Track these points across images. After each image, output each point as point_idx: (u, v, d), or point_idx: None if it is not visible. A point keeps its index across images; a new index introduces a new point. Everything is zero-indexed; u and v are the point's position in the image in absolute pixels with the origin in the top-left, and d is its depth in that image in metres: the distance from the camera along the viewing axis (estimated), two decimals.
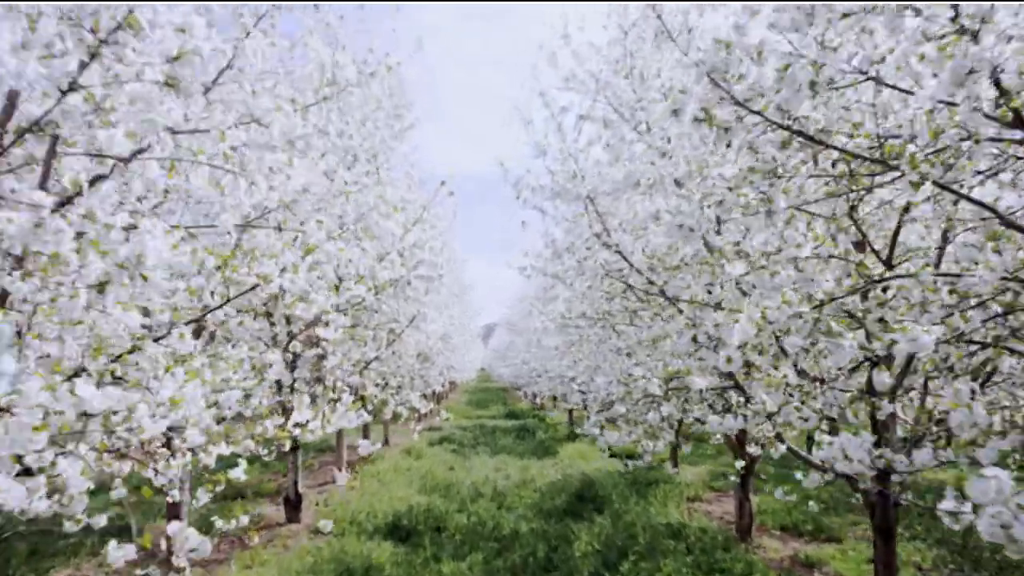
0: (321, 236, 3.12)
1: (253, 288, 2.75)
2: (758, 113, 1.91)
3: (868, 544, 7.30)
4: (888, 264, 3.71)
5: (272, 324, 6.53)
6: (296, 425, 3.18)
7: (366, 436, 13.19)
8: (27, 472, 1.68)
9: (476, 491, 9.11)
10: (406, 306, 6.88)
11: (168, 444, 4.66)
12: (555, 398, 25.93)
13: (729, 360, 2.09)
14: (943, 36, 1.80)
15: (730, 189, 2.26)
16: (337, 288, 4.04)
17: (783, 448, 4.27)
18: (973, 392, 2.06)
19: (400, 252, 4.96)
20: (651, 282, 4.81)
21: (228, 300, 2.86)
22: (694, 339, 2.44)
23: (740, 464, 6.04)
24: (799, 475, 4.53)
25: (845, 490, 9.93)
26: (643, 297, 4.64)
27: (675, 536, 6.42)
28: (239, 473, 3.05)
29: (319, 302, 2.86)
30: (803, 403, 2.41)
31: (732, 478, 7.35)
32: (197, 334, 4.97)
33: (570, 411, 18.84)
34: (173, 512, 4.82)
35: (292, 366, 5.22)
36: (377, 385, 8.80)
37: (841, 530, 7.81)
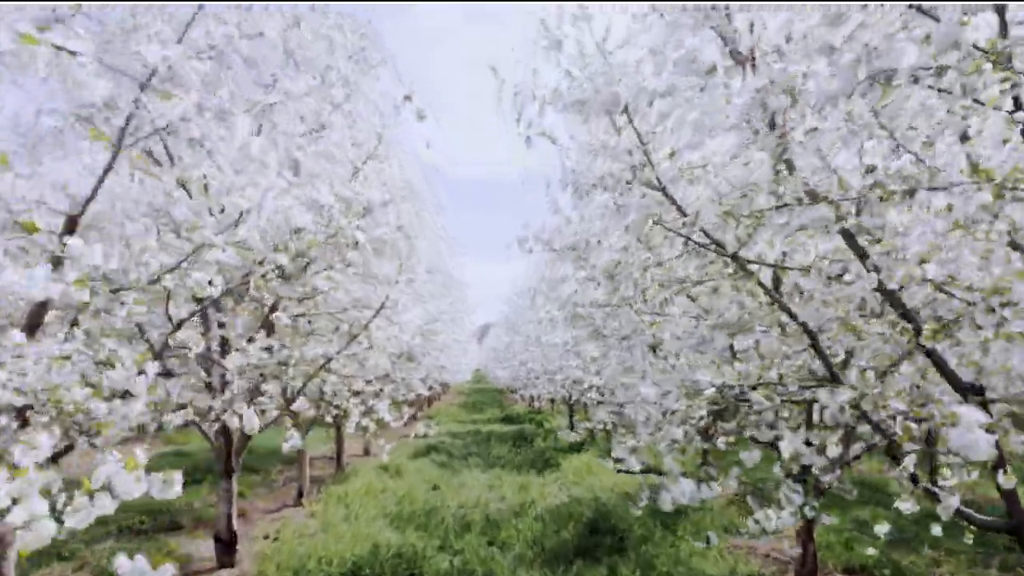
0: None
1: None
2: None
3: None
4: None
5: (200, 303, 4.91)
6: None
7: (340, 446, 11.48)
8: None
9: (463, 520, 7.43)
10: (365, 288, 5.21)
11: None
12: (553, 400, 24.18)
13: None
14: None
15: None
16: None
17: (955, 504, 2.60)
18: None
19: (340, 198, 3.28)
20: (717, 244, 3.17)
21: None
22: None
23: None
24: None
25: (927, 510, 8.21)
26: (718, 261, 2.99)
27: None
28: None
29: None
30: None
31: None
32: (32, 327, 3.29)
33: (571, 414, 17.16)
34: None
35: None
36: (351, 392, 7.11)
37: (923, 574, 6.18)
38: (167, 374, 4.81)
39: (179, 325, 3.31)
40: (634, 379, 3.63)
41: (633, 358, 3.50)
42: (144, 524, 7.43)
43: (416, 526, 7.04)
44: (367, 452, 13.56)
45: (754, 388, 2.98)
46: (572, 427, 17.27)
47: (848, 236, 3.07)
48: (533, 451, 13.29)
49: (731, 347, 4.33)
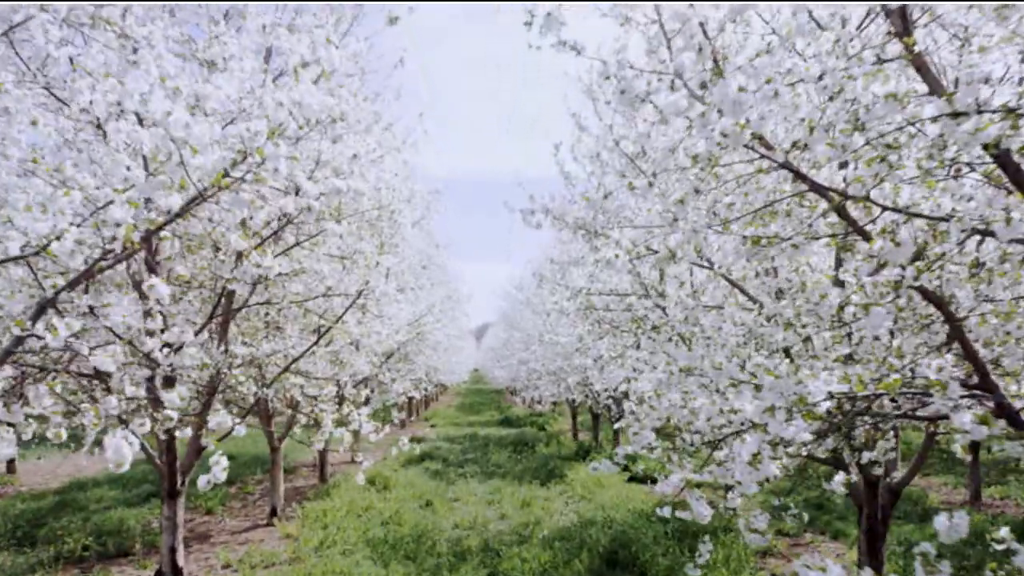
0: None
1: None
2: None
3: None
4: None
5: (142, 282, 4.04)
6: None
7: (323, 457, 10.44)
8: None
9: (459, 546, 6.40)
10: (336, 271, 4.19)
11: None
12: (555, 403, 22.99)
13: None
14: None
15: None
16: None
17: None
18: None
19: (276, 137, 2.25)
20: (821, 187, 2.20)
21: None
22: None
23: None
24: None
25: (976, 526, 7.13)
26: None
27: None
28: None
29: None
30: None
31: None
32: None
33: (573, 414, 16.09)
34: None
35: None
36: (337, 397, 6.08)
37: None
38: (95, 375, 3.78)
39: (40, 311, 2.29)
40: (691, 385, 2.62)
41: (692, 356, 2.50)
42: (88, 550, 6.39)
43: (403, 555, 6.01)
44: (353, 460, 12.52)
45: (891, 399, 1.98)
46: (575, 432, 16.22)
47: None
48: (535, 458, 12.25)
49: (786, 350, 3.33)
